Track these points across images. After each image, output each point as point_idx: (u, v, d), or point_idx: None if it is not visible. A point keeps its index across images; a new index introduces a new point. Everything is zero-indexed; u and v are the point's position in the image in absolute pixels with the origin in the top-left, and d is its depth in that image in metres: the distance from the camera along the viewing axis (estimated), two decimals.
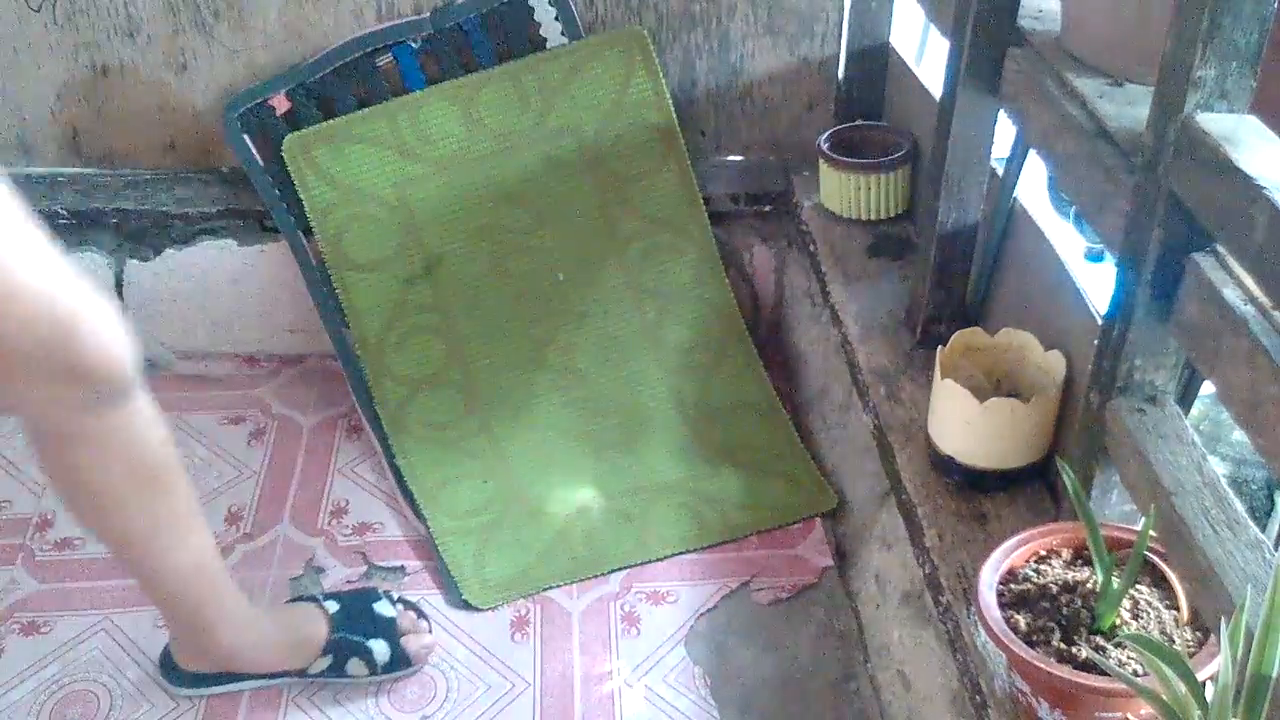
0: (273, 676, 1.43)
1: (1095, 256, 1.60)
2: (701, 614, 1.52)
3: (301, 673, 1.43)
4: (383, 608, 1.47)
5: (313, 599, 1.47)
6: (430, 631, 1.49)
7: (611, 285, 1.79)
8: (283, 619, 1.44)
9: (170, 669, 1.43)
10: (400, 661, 1.44)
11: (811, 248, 1.76)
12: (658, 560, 1.59)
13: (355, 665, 1.42)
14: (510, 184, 1.76)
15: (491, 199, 1.76)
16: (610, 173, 1.79)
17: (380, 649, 1.43)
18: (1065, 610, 0.99)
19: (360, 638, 1.43)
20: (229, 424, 1.84)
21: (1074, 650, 0.96)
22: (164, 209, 1.83)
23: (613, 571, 1.58)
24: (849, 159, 1.72)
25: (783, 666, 1.45)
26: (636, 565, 1.59)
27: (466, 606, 1.53)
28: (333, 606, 1.45)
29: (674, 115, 1.79)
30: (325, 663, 1.42)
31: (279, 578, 1.58)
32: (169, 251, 1.86)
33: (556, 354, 1.77)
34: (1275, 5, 0.86)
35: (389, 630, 1.45)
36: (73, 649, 1.48)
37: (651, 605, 1.54)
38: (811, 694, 1.42)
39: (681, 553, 1.60)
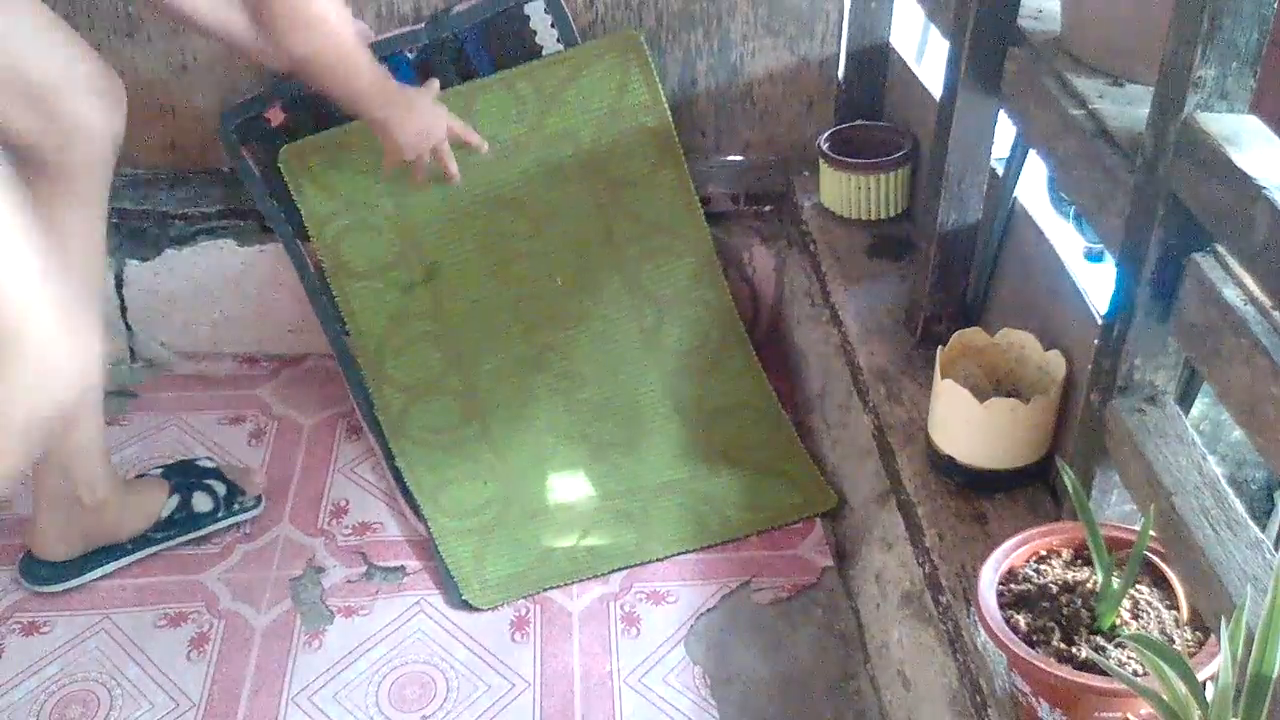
0: (134, 546, 1.56)
1: (1095, 257, 1.60)
2: (701, 614, 1.52)
3: (156, 524, 1.56)
4: (204, 462, 1.66)
5: (141, 475, 1.63)
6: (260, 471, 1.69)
7: (610, 289, 1.79)
8: (131, 485, 1.58)
9: (32, 569, 1.52)
10: (236, 491, 1.62)
11: (811, 248, 1.76)
12: (658, 560, 1.59)
13: (200, 499, 1.59)
14: (507, 190, 1.76)
15: (489, 205, 1.76)
16: (607, 178, 1.79)
17: (217, 484, 1.61)
18: (1065, 610, 0.99)
19: (196, 478, 1.61)
20: (229, 424, 1.84)
21: (1074, 650, 0.96)
22: (164, 209, 1.83)
23: (613, 571, 1.58)
24: (849, 159, 1.72)
25: (783, 666, 1.45)
26: (636, 565, 1.59)
27: (466, 606, 1.53)
28: (159, 471, 1.62)
29: (670, 119, 1.79)
30: (174, 502, 1.58)
31: (279, 578, 1.58)
32: (169, 251, 1.86)
33: (555, 358, 1.76)
34: (1275, 5, 0.86)
35: (218, 474, 1.63)
36: (73, 649, 1.48)
37: (651, 605, 1.54)
38: (811, 694, 1.42)
39: (681, 553, 1.60)
